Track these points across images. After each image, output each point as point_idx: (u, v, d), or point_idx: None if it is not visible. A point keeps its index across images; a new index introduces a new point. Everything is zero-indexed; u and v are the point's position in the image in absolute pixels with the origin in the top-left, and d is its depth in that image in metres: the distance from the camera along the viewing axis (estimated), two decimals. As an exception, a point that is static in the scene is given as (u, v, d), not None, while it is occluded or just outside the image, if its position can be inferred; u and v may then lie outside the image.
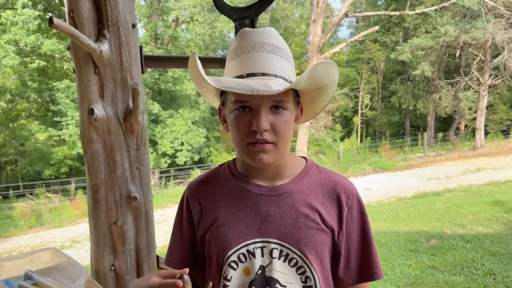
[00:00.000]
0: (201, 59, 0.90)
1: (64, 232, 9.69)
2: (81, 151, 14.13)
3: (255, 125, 0.86)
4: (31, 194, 13.03)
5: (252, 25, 2.01)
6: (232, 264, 0.96)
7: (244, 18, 2.04)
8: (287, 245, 0.94)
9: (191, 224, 1.06)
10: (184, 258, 1.07)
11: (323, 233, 0.95)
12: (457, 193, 9.03)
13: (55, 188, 14.50)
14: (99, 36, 1.56)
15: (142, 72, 1.72)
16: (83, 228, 9.83)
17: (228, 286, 0.97)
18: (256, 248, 0.95)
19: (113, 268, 1.67)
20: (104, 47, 1.53)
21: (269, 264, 0.94)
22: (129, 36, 1.61)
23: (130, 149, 1.65)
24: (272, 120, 0.88)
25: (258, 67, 0.88)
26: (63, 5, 12.87)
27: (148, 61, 1.77)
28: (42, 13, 16.23)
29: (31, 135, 18.84)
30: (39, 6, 15.81)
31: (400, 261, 4.97)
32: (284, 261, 0.94)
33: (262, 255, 0.95)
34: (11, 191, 13.00)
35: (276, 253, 0.94)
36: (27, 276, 1.53)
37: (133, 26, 1.63)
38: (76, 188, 13.97)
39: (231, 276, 0.96)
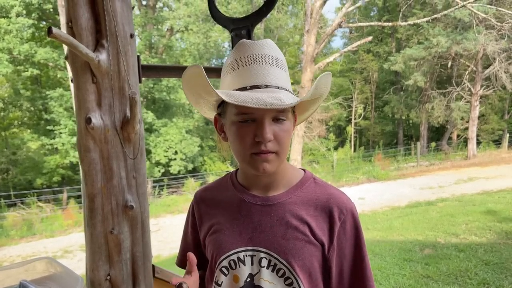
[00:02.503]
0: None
1: (56, 242, 9.58)
2: (73, 160, 14.09)
3: (259, 136, 0.88)
4: (22, 203, 12.89)
5: (249, 35, 2.03)
6: (223, 269, 0.99)
7: (241, 29, 2.06)
8: (275, 255, 0.95)
9: (194, 229, 1.13)
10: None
11: (311, 245, 0.95)
12: (450, 202, 9.08)
13: (47, 197, 14.35)
14: (97, 45, 1.56)
15: (140, 82, 1.73)
16: (75, 238, 9.74)
17: None
18: (246, 256, 0.97)
19: (108, 277, 1.66)
20: (102, 56, 1.54)
21: (257, 272, 0.96)
22: (127, 46, 1.62)
23: (127, 158, 1.65)
24: (274, 130, 0.90)
25: (261, 80, 0.90)
26: (58, 14, 12.86)
27: (146, 70, 1.78)
28: (36, 22, 16.21)
29: (23, 143, 18.68)
30: (33, 14, 15.79)
31: (394, 270, 4.98)
32: (272, 270, 0.95)
33: (252, 264, 0.96)
34: (2, 200, 12.85)
35: (265, 263, 0.95)
36: (22, 286, 1.52)
37: (131, 36, 1.64)
38: (68, 198, 13.83)
39: (222, 282, 0.99)
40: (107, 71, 1.55)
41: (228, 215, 1.02)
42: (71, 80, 1.61)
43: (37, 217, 11.43)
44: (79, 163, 1.65)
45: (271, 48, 0.95)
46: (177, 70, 2.04)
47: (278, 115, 0.90)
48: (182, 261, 1.17)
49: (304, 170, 1.07)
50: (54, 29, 1.29)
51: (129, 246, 1.68)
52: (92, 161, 1.59)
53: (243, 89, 0.90)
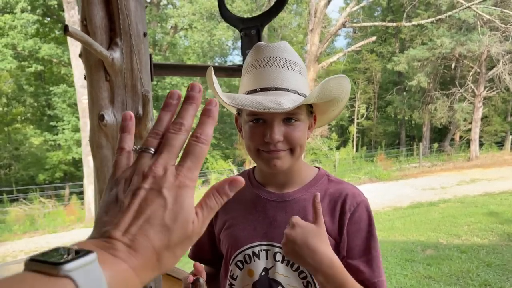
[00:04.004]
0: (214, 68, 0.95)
1: (59, 237, 9.62)
2: (76, 156, 14.08)
3: (268, 136, 0.91)
4: (24, 198, 12.93)
5: (258, 35, 2.04)
6: (238, 263, 1.02)
7: (250, 29, 2.07)
8: None
9: (210, 223, 1.12)
10: (197, 255, 1.18)
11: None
12: (452, 203, 9.09)
13: (49, 193, 14.38)
14: (111, 44, 1.59)
15: (152, 80, 1.75)
16: (78, 234, 9.77)
17: (234, 285, 1.02)
18: (261, 250, 0.99)
19: (118, 272, 1.69)
20: (116, 54, 1.56)
21: (272, 266, 0.98)
22: (140, 44, 1.64)
23: (138, 155, 1.68)
24: (285, 131, 0.92)
25: (271, 82, 0.93)
26: (62, 10, 12.88)
27: (157, 69, 1.80)
28: (40, 18, 16.24)
29: (26, 139, 18.74)
30: (38, 10, 15.83)
31: (396, 270, 5.00)
32: (287, 265, 0.97)
33: (267, 258, 0.99)
34: (4, 195, 12.91)
35: (279, 257, 0.98)
36: (35, 279, 1.55)
37: (144, 34, 1.66)
38: (71, 193, 13.85)
39: (237, 276, 1.02)
40: (120, 69, 1.57)
41: (243, 211, 1.05)
42: (85, 78, 1.63)
43: (40, 213, 11.46)
44: (92, 159, 1.67)
45: (285, 51, 0.97)
46: (188, 69, 2.06)
47: (288, 116, 0.92)
48: (195, 254, 1.18)
49: (318, 168, 1.10)
50: (70, 27, 1.31)
51: (139, 242, 1.71)
52: (105, 157, 1.61)
53: (254, 91, 0.93)
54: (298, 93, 0.94)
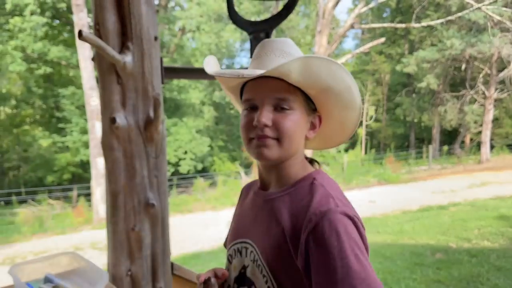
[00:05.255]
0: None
1: (67, 239, 9.68)
2: (84, 158, 14.17)
3: (256, 120, 0.89)
4: (33, 200, 13.04)
5: (267, 38, 2.05)
6: (229, 257, 1.05)
7: (259, 32, 2.08)
8: (258, 251, 0.93)
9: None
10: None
11: (284, 245, 0.87)
12: (463, 207, 9.01)
13: (57, 194, 14.50)
14: (122, 47, 1.61)
15: (162, 83, 1.77)
16: (86, 236, 9.83)
17: (229, 277, 1.05)
18: (241, 248, 1.00)
19: (129, 273, 1.70)
20: (128, 58, 1.58)
21: (248, 265, 0.96)
22: (151, 48, 1.66)
23: (149, 157, 1.69)
24: (275, 117, 0.90)
25: (263, 68, 0.92)
26: (71, 13, 13.00)
27: (168, 72, 1.82)
28: (50, 20, 16.38)
29: (35, 141, 18.89)
30: (47, 13, 15.96)
31: (405, 274, 4.96)
32: (257, 266, 0.93)
33: (246, 255, 0.98)
34: (13, 197, 13.03)
35: (253, 257, 0.95)
36: (47, 279, 1.56)
37: (155, 38, 1.68)
38: (79, 195, 13.94)
39: (228, 269, 1.04)
40: (131, 73, 1.59)
41: (241, 208, 1.10)
42: (97, 81, 1.65)
43: (48, 214, 11.55)
44: (104, 161, 1.69)
45: (286, 44, 0.97)
46: (198, 72, 2.08)
47: (280, 103, 0.90)
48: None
49: (316, 170, 0.99)
50: (84, 32, 1.33)
51: (149, 243, 1.72)
52: (116, 159, 1.63)
53: None
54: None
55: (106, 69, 1.59)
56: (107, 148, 1.63)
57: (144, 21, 1.60)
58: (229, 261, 1.04)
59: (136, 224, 1.67)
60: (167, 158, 1.86)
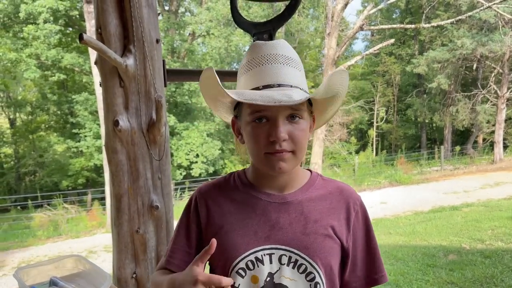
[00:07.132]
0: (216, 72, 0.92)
1: (81, 242, 9.79)
2: (98, 162, 14.39)
3: (273, 135, 0.88)
4: (48, 204, 13.22)
5: (270, 39, 2.05)
6: (240, 271, 0.96)
7: (263, 33, 2.08)
8: (296, 251, 0.94)
9: (198, 226, 1.05)
10: (186, 262, 0.97)
11: (331, 239, 0.97)
12: (476, 207, 8.88)
13: (72, 199, 14.68)
14: (124, 51, 1.62)
15: (165, 86, 1.78)
16: (99, 239, 9.93)
17: None
18: (264, 255, 0.95)
19: (134, 276, 1.70)
20: (130, 61, 1.59)
21: (277, 270, 0.94)
22: (153, 50, 1.67)
23: (153, 159, 1.70)
24: (289, 129, 0.90)
25: (273, 79, 0.91)
26: (84, 20, 13.20)
27: (171, 74, 1.83)
28: (63, 28, 16.65)
29: (50, 146, 19.19)
30: (60, 21, 16.22)
31: (417, 276, 4.90)
32: (293, 267, 0.94)
33: (271, 262, 0.95)
34: (29, 202, 13.23)
35: (285, 260, 0.94)
36: (52, 282, 1.58)
37: (157, 41, 1.69)
38: (93, 199, 14.12)
39: (239, 284, 0.96)
40: (134, 76, 1.61)
41: (239, 215, 1.00)
42: (100, 84, 1.67)
43: (63, 218, 11.69)
44: (107, 164, 1.71)
45: (284, 48, 0.96)
46: (200, 74, 2.09)
47: (292, 113, 0.90)
48: (179, 266, 1.03)
49: (309, 170, 1.10)
50: (85, 36, 1.34)
51: (154, 245, 1.73)
52: (119, 162, 1.64)
53: (256, 89, 0.91)
54: (301, 89, 0.93)
55: (108, 72, 1.60)
56: (110, 151, 1.64)
57: (146, 24, 1.62)
58: (241, 275, 0.95)
59: (141, 226, 1.68)
60: (170, 160, 1.87)
